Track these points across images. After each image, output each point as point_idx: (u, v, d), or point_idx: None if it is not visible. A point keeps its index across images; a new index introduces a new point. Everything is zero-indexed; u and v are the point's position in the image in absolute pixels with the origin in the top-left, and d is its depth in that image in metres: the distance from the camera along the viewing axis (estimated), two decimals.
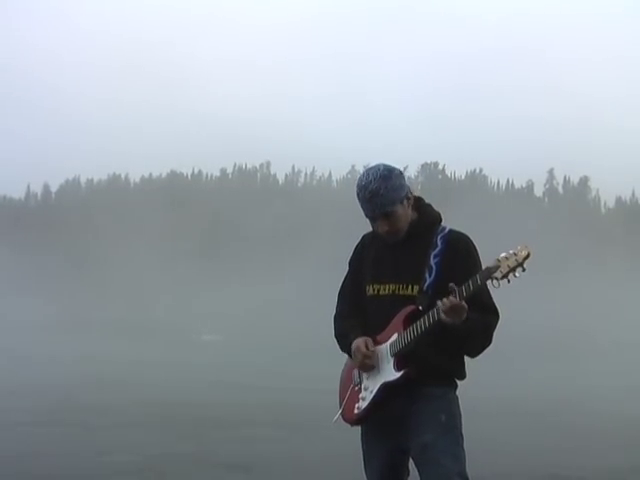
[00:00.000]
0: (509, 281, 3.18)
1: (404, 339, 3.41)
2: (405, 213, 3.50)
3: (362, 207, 3.50)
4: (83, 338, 28.44)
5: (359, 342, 3.52)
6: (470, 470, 3.40)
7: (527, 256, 3.15)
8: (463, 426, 3.49)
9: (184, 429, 10.46)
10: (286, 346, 25.72)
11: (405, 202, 3.49)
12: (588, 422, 11.97)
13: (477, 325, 3.35)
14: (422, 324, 3.35)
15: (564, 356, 24.31)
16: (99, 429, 10.34)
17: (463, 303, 3.23)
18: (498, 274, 3.15)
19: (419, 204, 3.62)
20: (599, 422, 11.98)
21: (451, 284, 3.25)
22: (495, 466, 7.95)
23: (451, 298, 3.22)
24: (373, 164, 3.60)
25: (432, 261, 3.44)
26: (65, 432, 10.00)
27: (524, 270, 3.16)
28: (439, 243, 3.48)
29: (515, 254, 3.16)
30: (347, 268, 3.81)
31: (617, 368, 20.41)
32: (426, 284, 3.43)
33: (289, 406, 12.83)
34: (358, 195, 3.47)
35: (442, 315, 3.25)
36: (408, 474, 3.63)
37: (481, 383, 14.59)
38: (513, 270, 3.15)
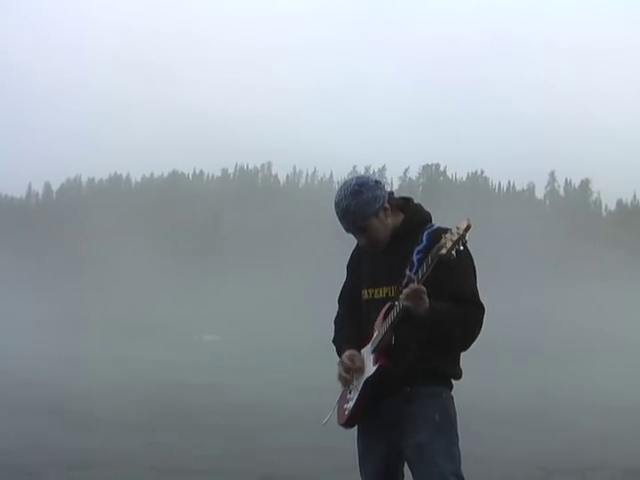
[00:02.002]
0: (455, 254, 3.24)
1: (380, 334, 3.49)
2: (382, 224, 3.57)
3: (339, 223, 3.60)
4: (83, 338, 28.44)
5: (344, 356, 3.62)
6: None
7: (467, 227, 3.22)
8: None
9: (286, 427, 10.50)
10: (287, 346, 25.72)
11: (381, 213, 3.55)
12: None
13: (448, 313, 3.39)
14: (392, 315, 3.43)
15: (565, 357, 24.32)
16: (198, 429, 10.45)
17: (420, 286, 3.29)
18: (443, 251, 3.22)
19: (406, 206, 3.67)
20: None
21: (409, 273, 3.35)
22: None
23: (410, 284, 3.31)
24: (348, 178, 3.69)
25: (414, 257, 3.48)
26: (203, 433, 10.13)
27: (466, 241, 3.24)
28: (424, 239, 3.51)
29: (458, 227, 3.24)
30: (345, 272, 3.88)
31: (621, 369, 20.42)
32: (405, 280, 3.45)
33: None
34: (335, 211, 3.57)
35: (405, 303, 3.32)
36: (403, 477, 3.64)
37: (494, 385, 14.74)
38: (457, 243, 3.22)
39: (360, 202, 3.51)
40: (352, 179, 3.60)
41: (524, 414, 12.69)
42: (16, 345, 23.18)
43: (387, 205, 3.58)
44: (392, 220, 3.60)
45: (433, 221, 3.66)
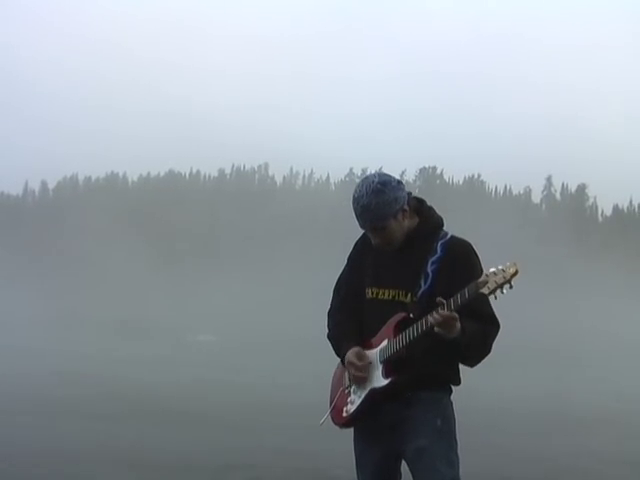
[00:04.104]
0: (496, 297, 3.20)
1: (393, 346, 3.43)
2: (399, 226, 3.48)
3: (356, 219, 3.51)
4: (79, 336, 28.37)
5: (351, 355, 3.53)
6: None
7: (515, 273, 3.14)
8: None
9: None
10: (283, 346, 25.68)
11: (400, 215, 3.47)
12: None
13: (475, 335, 3.35)
14: (412, 332, 3.36)
15: (564, 361, 24.30)
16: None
17: (453, 314, 3.23)
18: (485, 290, 3.16)
19: (421, 208, 3.60)
20: None
21: (439, 298, 3.25)
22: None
23: (441, 311, 3.23)
24: (370, 173, 3.59)
25: (429, 268, 3.44)
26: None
27: (511, 287, 3.16)
28: (439, 250, 3.47)
29: (504, 270, 3.16)
30: (345, 265, 3.79)
31: (620, 373, 20.47)
32: (420, 291, 3.43)
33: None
34: (352, 206, 3.47)
35: (435, 329, 3.26)
36: (400, 477, 3.64)
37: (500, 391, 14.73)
38: (500, 287, 3.16)
39: (381, 202, 3.40)
40: (374, 176, 3.48)
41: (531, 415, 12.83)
42: (22, 343, 23.09)
43: (406, 207, 3.50)
44: (408, 222, 3.53)
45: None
